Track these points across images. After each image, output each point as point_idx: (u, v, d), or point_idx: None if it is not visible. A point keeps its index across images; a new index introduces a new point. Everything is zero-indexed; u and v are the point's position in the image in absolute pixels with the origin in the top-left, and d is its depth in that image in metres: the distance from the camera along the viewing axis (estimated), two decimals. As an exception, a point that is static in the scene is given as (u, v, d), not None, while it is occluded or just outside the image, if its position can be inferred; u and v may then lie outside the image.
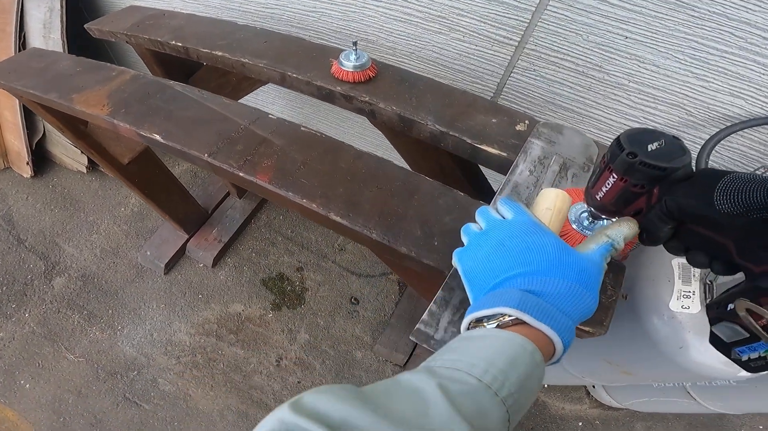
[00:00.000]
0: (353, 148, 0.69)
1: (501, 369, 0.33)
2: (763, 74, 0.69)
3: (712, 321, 0.40)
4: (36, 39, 1.51)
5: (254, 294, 1.58)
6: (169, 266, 1.60)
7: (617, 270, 0.66)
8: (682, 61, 0.73)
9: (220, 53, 0.80)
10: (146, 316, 1.51)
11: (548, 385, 1.50)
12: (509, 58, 0.94)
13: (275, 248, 1.69)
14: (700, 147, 0.79)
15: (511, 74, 0.98)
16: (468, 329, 0.40)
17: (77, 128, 0.94)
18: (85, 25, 0.97)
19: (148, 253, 1.59)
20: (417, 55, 1.08)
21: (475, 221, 0.48)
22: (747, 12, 0.65)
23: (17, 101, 1.60)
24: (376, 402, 0.29)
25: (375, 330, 1.54)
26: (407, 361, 1.45)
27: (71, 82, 0.76)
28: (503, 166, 0.69)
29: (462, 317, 0.50)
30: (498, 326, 0.37)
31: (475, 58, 1.00)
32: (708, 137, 0.78)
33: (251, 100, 1.55)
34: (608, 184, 0.41)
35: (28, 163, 1.72)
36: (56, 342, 1.45)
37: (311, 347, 1.50)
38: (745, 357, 0.37)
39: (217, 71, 0.98)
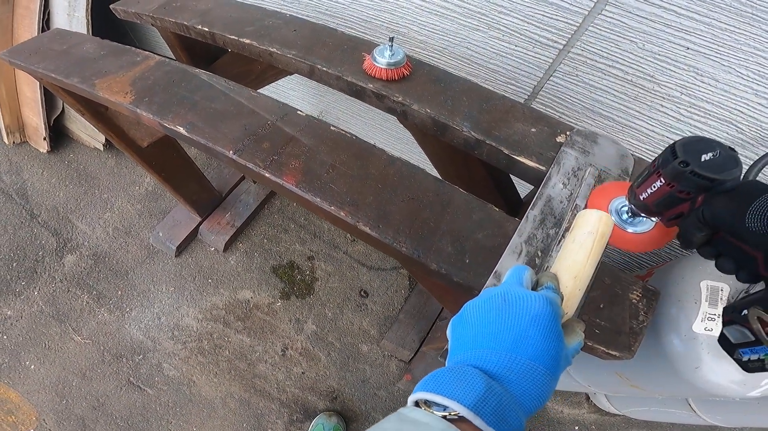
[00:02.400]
0: (385, 153, 0.65)
1: None
2: (833, 99, 0.64)
3: (726, 323, 0.42)
4: (60, 17, 1.47)
5: (264, 282, 1.56)
6: (181, 249, 1.59)
7: (651, 296, 0.63)
8: (745, 77, 0.68)
9: (247, 41, 0.76)
10: (155, 299, 1.51)
11: None
12: (551, 61, 0.88)
13: (287, 235, 1.67)
14: (747, 166, 0.74)
15: (551, 78, 0.93)
16: (416, 403, 0.36)
17: (98, 111, 0.91)
18: (111, 6, 0.93)
19: (161, 234, 1.58)
20: (450, 51, 1.03)
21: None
22: (824, 30, 0.59)
23: (36, 75, 1.57)
24: None
25: (382, 325, 1.52)
26: (412, 358, 1.44)
27: (94, 66, 0.73)
28: (540, 179, 0.65)
29: None
30: (444, 416, 0.33)
31: (513, 58, 0.94)
32: (757, 157, 0.73)
33: (270, 88, 1.51)
34: (654, 187, 0.43)
35: (45, 138, 1.71)
36: (64, 323, 1.45)
37: (318, 338, 1.49)
38: (745, 358, 0.41)
39: (242, 59, 0.94)
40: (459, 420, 0.33)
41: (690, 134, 0.85)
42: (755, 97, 0.70)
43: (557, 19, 0.78)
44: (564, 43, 0.82)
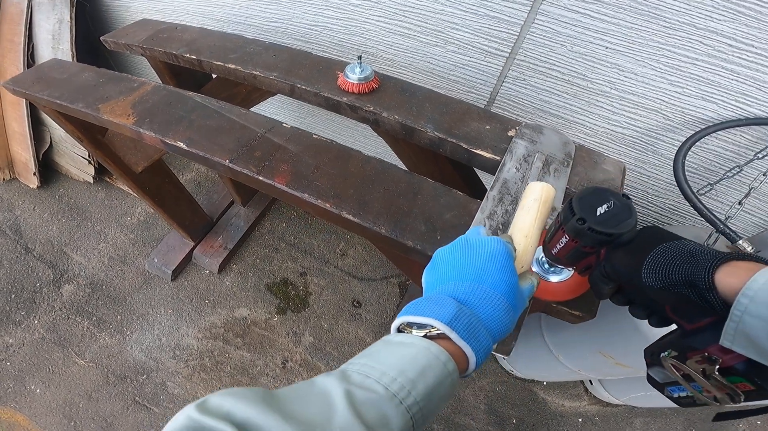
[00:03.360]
0: (361, 154, 0.75)
1: (410, 379, 0.35)
2: (732, 79, 0.77)
3: (648, 365, 0.42)
4: (45, 49, 1.56)
5: (259, 299, 1.62)
6: (176, 273, 1.64)
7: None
8: (657, 69, 0.80)
9: (233, 66, 0.86)
10: (154, 321, 1.55)
11: (547, 383, 1.54)
12: (501, 68, 1.01)
13: (279, 254, 1.74)
14: (677, 149, 0.86)
15: (503, 83, 1.05)
16: (398, 329, 0.42)
17: (95, 138, 0.99)
18: (102, 38, 1.02)
19: (156, 260, 1.64)
20: (414, 67, 1.15)
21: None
22: (713, 21, 0.72)
23: (25, 112, 1.64)
24: (284, 404, 0.31)
25: (377, 332, 1.59)
26: None
27: (96, 92, 0.82)
28: (497, 168, 0.76)
29: None
30: (425, 336, 0.39)
31: (470, 68, 1.07)
32: (684, 140, 0.85)
33: (258, 108, 1.61)
34: (561, 243, 0.44)
35: (35, 174, 1.76)
36: (66, 348, 1.49)
37: (316, 349, 1.54)
38: (675, 395, 0.40)
39: (228, 83, 1.04)
40: (437, 337, 0.38)
41: (626, 124, 0.98)
42: (671, 87, 0.83)
43: (500, 30, 0.91)
44: (509, 51, 0.95)
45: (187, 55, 0.89)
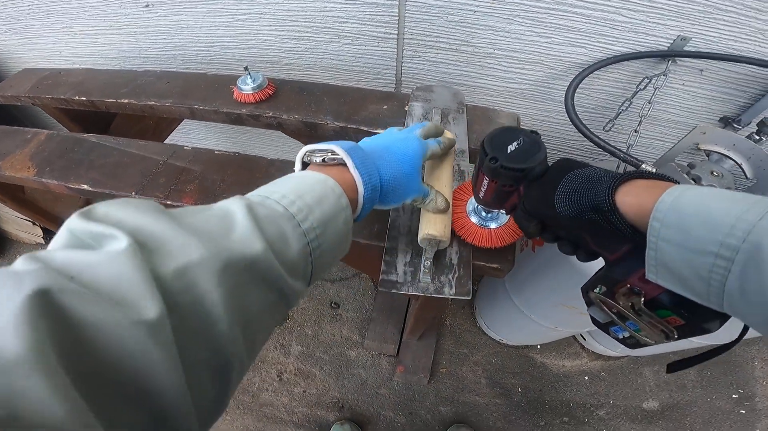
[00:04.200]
0: (264, 158, 0.77)
1: (307, 203, 0.36)
2: (585, 23, 0.83)
3: (587, 305, 0.42)
4: None
5: (234, 322, 1.62)
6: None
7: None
8: (523, 24, 0.86)
9: (126, 101, 0.87)
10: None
11: (540, 346, 1.58)
12: (395, 50, 1.05)
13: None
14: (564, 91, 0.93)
15: (403, 64, 1.10)
16: (302, 161, 0.44)
17: (16, 196, 0.97)
18: (-15, 92, 1.00)
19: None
20: (319, 66, 1.18)
21: None
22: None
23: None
24: (181, 217, 0.29)
25: (361, 328, 1.61)
26: (398, 350, 1.52)
27: (-7, 150, 0.81)
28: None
29: (413, 258, 0.60)
30: (323, 160, 0.42)
31: (369, 56, 1.10)
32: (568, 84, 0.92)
33: (184, 140, 1.60)
34: (484, 185, 0.45)
35: (-19, 247, 1.70)
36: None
37: (306, 356, 1.56)
38: (620, 336, 0.39)
39: (132, 118, 1.04)
40: (334, 169, 0.41)
41: (520, 80, 1.04)
42: (540, 38, 0.89)
43: (381, 15, 0.95)
44: (396, 32, 0.99)
45: (77, 98, 0.88)
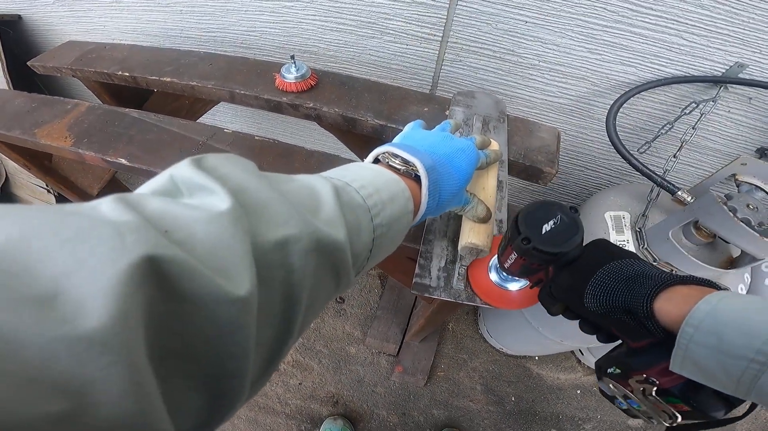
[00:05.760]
0: (304, 149, 0.77)
1: (382, 199, 0.35)
2: (642, 43, 0.82)
3: (598, 378, 0.42)
4: None
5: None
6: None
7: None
8: (575, 38, 0.85)
9: (168, 79, 0.87)
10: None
11: (539, 358, 1.57)
12: (437, 52, 1.04)
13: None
14: (607, 110, 0.91)
15: (443, 67, 1.09)
16: (376, 158, 0.44)
17: (42, 164, 0.97)
18: (29, 62, 1.00)
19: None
20: (357, 60, 1.17)
21: None
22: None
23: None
24: (277, 183, 0.29)
25: (364, 325, 1.60)
26: (399, 350, 1.52)
27: (30, 118, 0.80)
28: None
29: (447, 263, 0.60)
30: (402, 171, 0.41)
31: (409, 56, 1.10)
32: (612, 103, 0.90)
33: (210, 121, 1.60)
34: (511, 259, 0.43)
35: (-9, 211, 1.71)
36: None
37: (306, 349, 1.55)
38: (624, 407, 0.41)
39: (169, 96, 1.04)
40: (406, 177, 0.41)
41: (560, 93, 1.03)
42: (591, 54, 0.88)
43: (429, 16, 0.94)
44: (441, 35, 0.98)
45: (120, 73, 0.88)
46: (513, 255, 0.42)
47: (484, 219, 0.54)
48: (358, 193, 0.34)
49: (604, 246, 0.40)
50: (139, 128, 0.77)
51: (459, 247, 0.57)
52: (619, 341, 0.40)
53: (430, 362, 1.51)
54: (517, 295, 0.55)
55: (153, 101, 1.07)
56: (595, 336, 0.41)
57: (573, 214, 0.40)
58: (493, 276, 0.56)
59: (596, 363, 0.42)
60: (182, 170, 0.24)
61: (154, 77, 0.87)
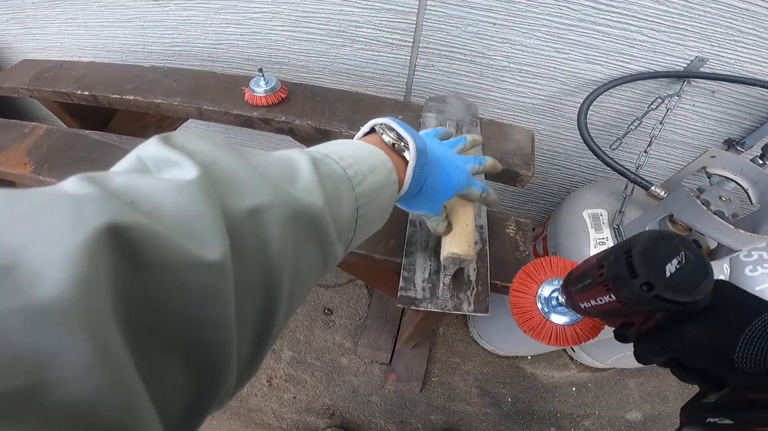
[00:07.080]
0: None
1: (362, 169, 0.36)
2: (605, 40, 0.83)
3: (682, 424, 0.35)
4: None
5: (225, 325, 1.58)
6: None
7: (524, 227, 0.75)
8: (542, 38, 0.86)
9: (131, 97, 0.83)
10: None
11: (531, 357, 1.58)
12: (409, 58, 1.04)
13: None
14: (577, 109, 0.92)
15: (415, 72, 1.08)
16: (371, 128, 0.44)
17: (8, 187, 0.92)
18: (-17, 84, 0.95)
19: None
20: (329, 69, 1.16)
21: None
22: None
23: None
24: (250, 156, 0.28)
25: (354, 335, 1.58)
26: (391, 358, 1.50)
27: (-13, 144, 0.76)
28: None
29: (431, 274, 0.59)
30: (392, 145, 0.41)
31: (381, 63, 1.09)
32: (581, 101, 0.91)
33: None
34: (601, 300, 0.34)
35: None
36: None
37: (297, 362, 1.52)
38: None
39: (134, 114, 1.00)
40: (395, 153, 0.41)
41: (532, 94, 1.03)
42: (558, 54, 0.89)
43: (399, 22, 0.94)
44: (412, 40, 0.97)
45: (79, 92, 0.84)
46: (606, 298, 0.33)
47: (441, 235, 0.55)
48: (338, 163, 0.34)
49: (732, 292, 0.32)
50: (102, 151, 0.74)
51: (441, 257, 0.56)
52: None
53: (424, 368, 1.50)
54: (561, 330, 0.45)
55: (118, 120, 1.03)
56: (679, 375, 0.34)
57: (698, 250, 0.31)
58: (540, 305, 0.46)
59: (684, 408, 0.35)
60: (149, 148, 0.24)
61: (115, 95, 0.83)
